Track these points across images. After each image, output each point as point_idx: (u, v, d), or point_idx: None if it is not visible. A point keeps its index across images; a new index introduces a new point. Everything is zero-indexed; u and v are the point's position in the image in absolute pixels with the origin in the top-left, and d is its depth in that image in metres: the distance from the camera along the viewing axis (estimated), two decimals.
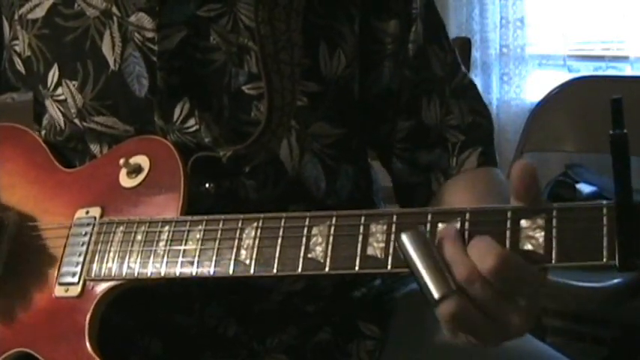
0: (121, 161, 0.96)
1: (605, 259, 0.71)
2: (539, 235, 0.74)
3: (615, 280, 2.11)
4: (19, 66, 1.06)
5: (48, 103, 1.04)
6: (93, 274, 0.92)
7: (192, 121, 0.97)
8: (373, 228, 0.80)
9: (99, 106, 0.99)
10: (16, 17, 1.04)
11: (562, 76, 2.72)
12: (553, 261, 0.73)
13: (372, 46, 1.01)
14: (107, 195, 0.97)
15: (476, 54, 2.86)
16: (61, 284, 0.94)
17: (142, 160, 0.96)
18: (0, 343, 0.95)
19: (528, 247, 0.74)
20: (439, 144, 1.04)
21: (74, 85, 1.00)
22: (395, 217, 0.80)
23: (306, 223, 0.83)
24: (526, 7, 2.82)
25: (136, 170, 0.96)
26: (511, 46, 2.84)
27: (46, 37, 1.02)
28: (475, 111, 1.06)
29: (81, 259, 0.94)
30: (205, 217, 0.89)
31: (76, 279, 0.93)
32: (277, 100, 0.95)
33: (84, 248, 0.94)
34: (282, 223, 0.85)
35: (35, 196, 1.02)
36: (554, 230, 0.74)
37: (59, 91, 1.02)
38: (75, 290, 0.93)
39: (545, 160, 2.76)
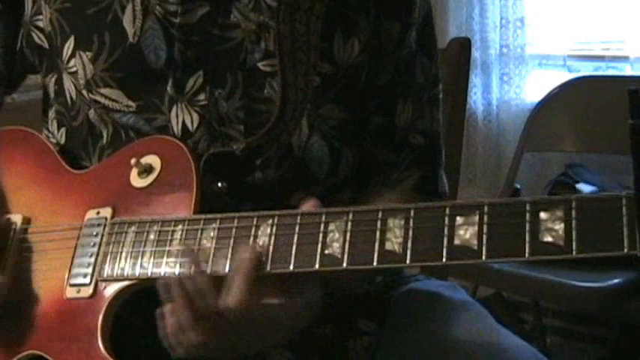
0: (132, 161, 0.96)
1: (626, 250, 0.70)
2: (559, 227, 0.73)
3: (615, 280, 2.11)
4: (43, 41, 1.07)
5: (64, 77, 1.05)
6: (105, 275, 0.92)
7: (202, 96, 0.99)
8: (391, 223, 0.80)
9: (107, 77, 1.00)
10: None
11: (562, 76, 2.71)
12: (573, 252, 0.72)
13: (375, 42, 1.04)
14: (118, 195, 0.97)
15: (476, 54, 2.85)
16: (72, 285, 0.94)
17: (153, 160, 0.97)
18: (12, 345, 0.95)
19: (548, 239, 0.74)
20: (399, 148, 1.07)
21: (87, 56, 1.01)
22: (412, 212, 0.80)
23: (323, 219, 0.83)
24: (526, 7, 2.82)
25: (147, 170, 0.96)
26: (511, 46, 2.84)
27: (66, 10, 1.03)
28: (438, 123, 1.11)
29: (92, 259, 0.94)
30: (219, 216, 0.89)
31: (87, 280, 0.93)
32: (290, 77, 0.96)
33: (95, 249, 0.94)
34: (298, 220, 0.84)
35: (44, 197, 1.02)
36: (573, 222, 0.73)
37: (72, 62, 1.03)
38: (87, 291, 0.93)
39: (545, 160, 2.76)
